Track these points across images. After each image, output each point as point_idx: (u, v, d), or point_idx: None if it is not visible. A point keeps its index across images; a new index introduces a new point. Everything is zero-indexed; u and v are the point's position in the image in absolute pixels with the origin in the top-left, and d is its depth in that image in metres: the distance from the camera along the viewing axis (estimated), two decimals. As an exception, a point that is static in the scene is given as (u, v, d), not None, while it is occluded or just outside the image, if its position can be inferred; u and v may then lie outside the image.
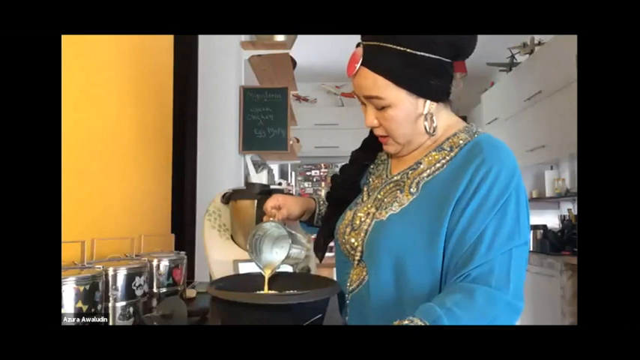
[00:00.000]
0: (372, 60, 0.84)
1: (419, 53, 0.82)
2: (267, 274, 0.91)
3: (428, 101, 0.87)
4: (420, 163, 0.90)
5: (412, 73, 0.83)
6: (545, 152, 3.70)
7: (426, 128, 0.89)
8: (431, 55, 0.83)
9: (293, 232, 0.94)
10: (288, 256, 0.90)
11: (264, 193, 1.21)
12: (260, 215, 1.19)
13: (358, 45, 0.88)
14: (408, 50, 0.82)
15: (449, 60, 0.86)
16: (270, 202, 1.02)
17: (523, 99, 3.97)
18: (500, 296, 0.76)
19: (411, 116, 0.87)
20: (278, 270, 0.94)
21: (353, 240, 0.91)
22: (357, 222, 0.92)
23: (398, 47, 0.82)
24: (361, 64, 0.85)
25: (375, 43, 0.84)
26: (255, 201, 1.20)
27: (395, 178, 0.93)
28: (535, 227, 3.68)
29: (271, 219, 0.98)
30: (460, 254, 0.79)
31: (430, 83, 0.85)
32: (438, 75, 0.85)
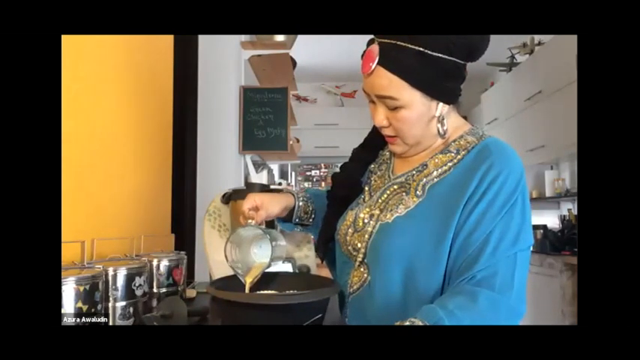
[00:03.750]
0: (390, 59, 0.81)
1: (437, 55, 0.80)
2: (248, 282, 0.87)
3: (441, 104, 0.86)
4: (426, 166, 0.89)
5: (429, 74, 0.81)
6: (545, 152, 3.70)
7: (439, 131, 0.87)
8: (448, 57, 0.81)
9: (272, 231, 0.91)
10: (271, 259, 0.86)
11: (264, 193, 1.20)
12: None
13: (371, 42, 0.85)
14: (427, 51, 0.80)
15: (462, 62, 0.84)
16: (247, 204, 0.95)
17: (523, 99, 3.97)
18: (502, 300, 0.76)
19: (423, 118, 0.86)
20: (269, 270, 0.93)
21: (356, 242, 0.90)
22: (360, 223, 0.91)
23: (416, 47, 0.80)
24: (377, 63, 0.82)
25: (393, 41, 0.81)
26: (255, 201, 1.19)
27: (399, 179, 0.92)
28: (535, 227, 3.68)
29: (249, 222, 0.92)
30: (465, 256, 0.79)
31: (445, 86, 0.84)
32: (452, 77, 0.84)
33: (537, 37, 4.01)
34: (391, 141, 0.92)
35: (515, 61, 4.37)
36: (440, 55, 0.81)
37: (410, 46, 0.80)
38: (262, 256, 0.89)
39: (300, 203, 1.07)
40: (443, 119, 0.87)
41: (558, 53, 3.42)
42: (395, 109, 0.85)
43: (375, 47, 0.83)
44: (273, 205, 0.99)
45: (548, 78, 3.59)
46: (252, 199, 0.96)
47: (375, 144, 1.01)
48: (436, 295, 0.81)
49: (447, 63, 0.82)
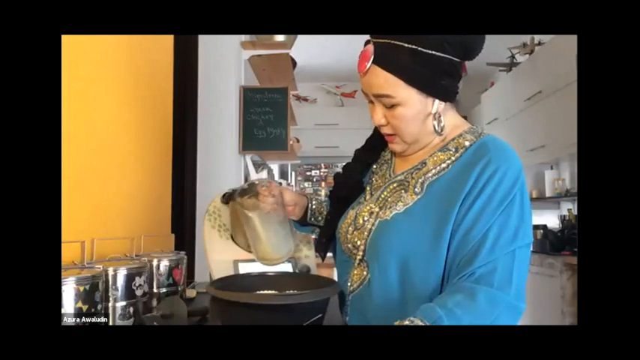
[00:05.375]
0: (384, 58, 0.83)
1: (431, 52, 0.82)
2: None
3: (437, 101, 0.87)
4: (425, 163, 0.90)
5: (424, 72, 0.83)
6: (545, 152, 3.70)
7: (435, 128, 0.88)
8: (442, 55, 0.82)
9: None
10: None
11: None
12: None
13: (368, 42, 0.87)
14: (420, 49, 0.81)
15: (458, 60, 0.85)
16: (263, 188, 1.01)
17: (523, 99, 3.97)
18: (501, 297, 0.76)
19: (420, 115, 0.87)
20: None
21: (356, 239, 0.91)
22: (360, 221, 0.91)
23: (410, 46, 0.81)
24: (372, 62, 0.84)
25: (387, 41, 0.83)
26: (255, 201, 1.20)
27: (399, 177, 0.92)
28: (535, 227, 3.68)
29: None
30: (464, 253, 0.79)
31: (441, 83, 0.85)
32: (448, 74, 0.85)
33: (537, 37, 4.01)
34: (390, 139, 0.93)
35: (515, 61, 4.37)
36: (434, 52, 0.82)
37: (404, 44, 0.82)
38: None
39: (314, 202, 1.11)
40: (439, 116, 0.88)
41: (558, 53, 3.42)
42: (392, 107, 0.86)
43: (370, 47, 0.85)
44: (286, 191, 1.05)
45: (548, 78, 3.59)
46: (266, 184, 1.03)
47: (376, 145, 1.02)
48: (434, 292, 0.81)
49: (442, 60, 0.83)
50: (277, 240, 0.97)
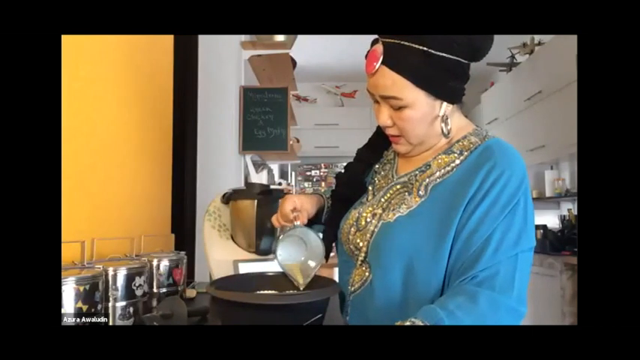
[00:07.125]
0: (393, 59, 0.81)
1: (440, 54, 0.80)
2: (300, 279, 0.89)
3: (444, 103, 0.86)
4: (429, 166, 0.89)
5: (432, 74, 0.81)
6: (545, 152, 3.70)
7: (442, 130, 0.88)
8: (451, 56, 0.81)
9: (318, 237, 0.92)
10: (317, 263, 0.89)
11: (264, 193, 1.21)
12: (262, 216, 1.18)
13: (375, 42, 0.85)
14: (430, 50, 0.80)
15: (466, 61, 0.85)
16: (288, 205, 0.94)
17: (523, 99, 3.97)
18: (503, 301, 0.76)
19: (427, 117, 0.86)
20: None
21: (358, 241, 0.90)
22: (363, 222, 0.91)
23: (420, 47, 0.80)
24: (381, 63, 0.82)
25: (397, 41, 0.81)
26: (255, 201, 1.20)
27: (402, 179, 0.92)
28: (535, 227, 3.65)
29: (297, 223, 0.92)
30: (466, 256, 0.79)
31: (449, 85, 0.84)
32: (456, 76, 0.84)
33: (537, 37, 4.00)
34: (395, 141, 0.92)
35: (515, 61, 4.37)
36: (443, 54, 0.81)
37: (414, 45, 0.80)
38: (316, 260, 0.91)
39: (329, 203, 1.08)
40: (447, 119, 0.87)
41: (558, 53, 3.42)
42: (399, 108, 0.85)
43: (379, 47, 0.83)
44: (311, 207, 1.00)
45: (548, 78, 3.59)
46: (292, 201, 0.95)
47: (379, 144, 1.01)
48: (436, 294, 0.81)
49: (451, 62, 0.82)
50: (306, 265, 0.94)
